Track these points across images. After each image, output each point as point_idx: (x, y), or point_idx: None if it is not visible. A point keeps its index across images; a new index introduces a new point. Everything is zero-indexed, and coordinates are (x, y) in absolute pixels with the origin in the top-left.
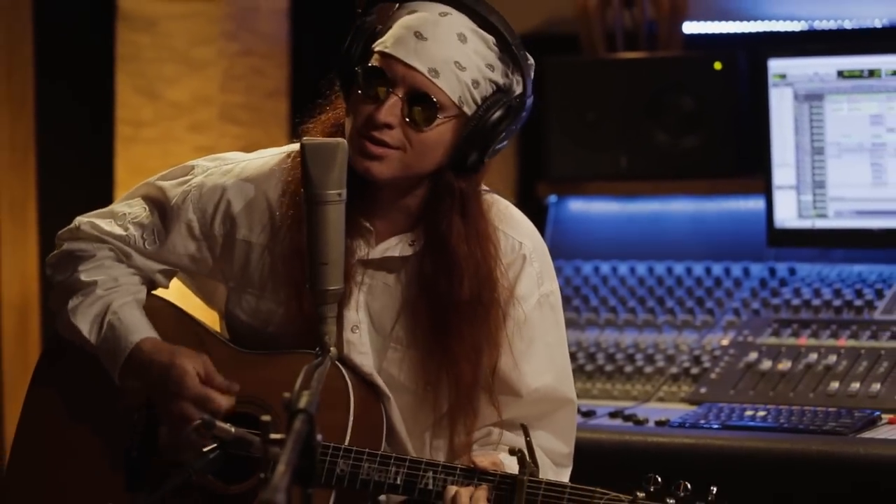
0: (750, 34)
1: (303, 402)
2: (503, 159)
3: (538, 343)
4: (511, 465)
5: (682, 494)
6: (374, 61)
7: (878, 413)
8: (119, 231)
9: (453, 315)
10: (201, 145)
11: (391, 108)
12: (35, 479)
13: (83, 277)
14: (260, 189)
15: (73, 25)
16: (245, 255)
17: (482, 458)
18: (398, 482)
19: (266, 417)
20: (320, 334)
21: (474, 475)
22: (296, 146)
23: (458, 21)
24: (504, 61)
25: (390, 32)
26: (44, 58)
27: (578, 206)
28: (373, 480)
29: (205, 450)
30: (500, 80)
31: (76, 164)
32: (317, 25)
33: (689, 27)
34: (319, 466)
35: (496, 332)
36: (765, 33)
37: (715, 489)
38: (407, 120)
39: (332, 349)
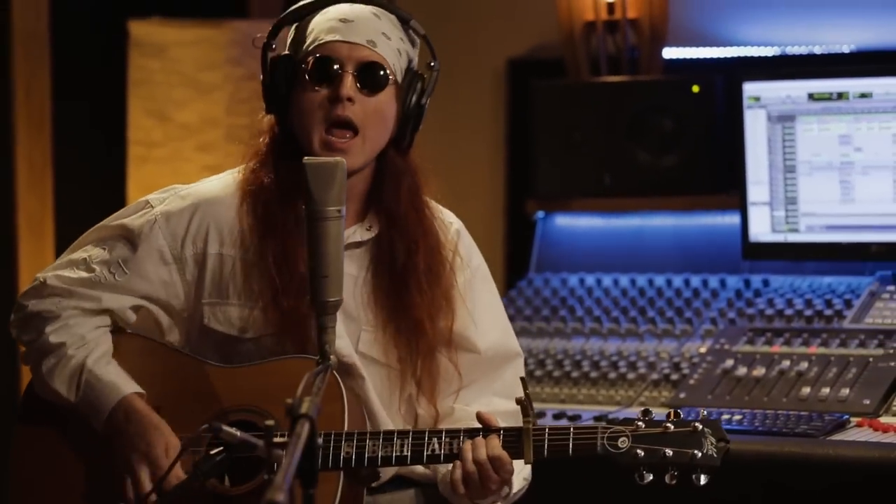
0: (726, 59)
1: (305, 408)
2: (493, 178)
3: (482, 306)
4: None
5: (676, 420)
6: (317, 54)
7: (846, 416)
8: (85, 275)
9: (411, 276)
10: (208, 164)
11: (349, 84)
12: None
13: (52, 339)
14: (224, 204)
15: (88, 52)
16: (219, 269)
17: (486, 416)
18: (406, 453)
19: (270, 422)
20: (321, 343)
21: (478, 433)
22: (233, 170)
23: (366, 7)
24: (410, 37)
25: (315, 32)
26: (60, 82)
27: (565, 221)
28: (379, 456)
29: (211, 453)
30: (411, 54)
31: (91, 182)
32: None
33: (669, 52)
34: (325, 454)
35: (450, 292)
36: (740, 58)
37: (705, 411)
38: (362, 89)
39: (332, 357)
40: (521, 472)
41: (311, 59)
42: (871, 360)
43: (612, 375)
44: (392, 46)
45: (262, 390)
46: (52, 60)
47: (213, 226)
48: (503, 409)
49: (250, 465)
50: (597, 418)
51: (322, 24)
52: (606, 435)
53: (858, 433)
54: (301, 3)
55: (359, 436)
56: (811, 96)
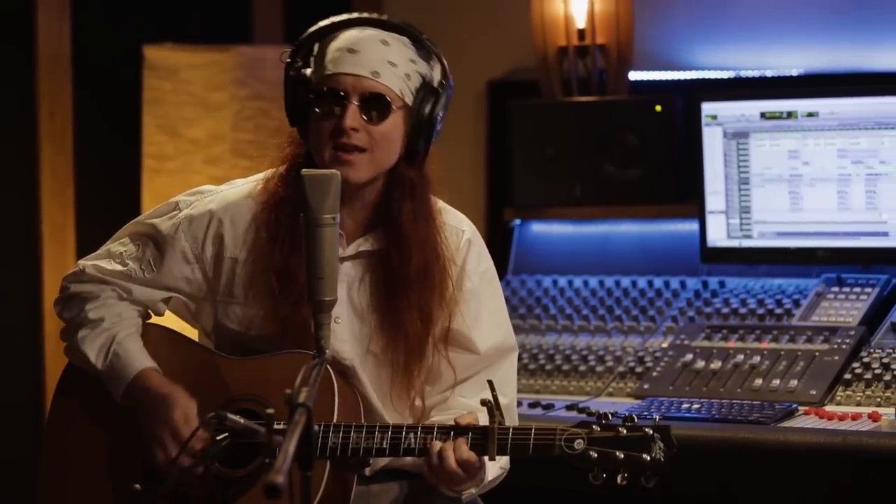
0: (686, 81)
1: (302, 398)
2: (474, 189)
3: (484, 311)
4: (483, 419)
5: (630, 424)
6: (325, 84)
7: (795, 405)
8: (119, 268)
9: (402, 282)
10: (215, 176)
11: (352, 114)
12: (68, 471)
13: (91, 315)
14: (242, 211)
15: (107, 74)
16: (232, 271)
17: (461, 418)
18: (384, 445)
19: (270, 410)
20: (317, 338)
21: (450, 430)
22: (261, 175)
23: (376, 32)
24: (422, 55)
25: (327, 59)
26: (81, 101)
27: (539, 228)
28: (362, 447)
29: (217, 438)
30: (424, 71)
31: (109, 193)
32: None
33: (634, 75)
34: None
35: (443, 298)
36: (698, 80)
37: (657, 416)
38: (366, 119)
39: (328, 351)
40: (499, 461)
41: (319, 89)
42: (817, 354)
43: (583, 368)
44: (398, 73)
45: (265, 381)
46: (73, 81)
47: (230, 230)
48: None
49: (248, 451)
50: (568, 407)
51: (332, 53)
52: (564, 437)
53: (806, 421)
54: (321, 25)
55: (344, 428)
56: (763, 115)
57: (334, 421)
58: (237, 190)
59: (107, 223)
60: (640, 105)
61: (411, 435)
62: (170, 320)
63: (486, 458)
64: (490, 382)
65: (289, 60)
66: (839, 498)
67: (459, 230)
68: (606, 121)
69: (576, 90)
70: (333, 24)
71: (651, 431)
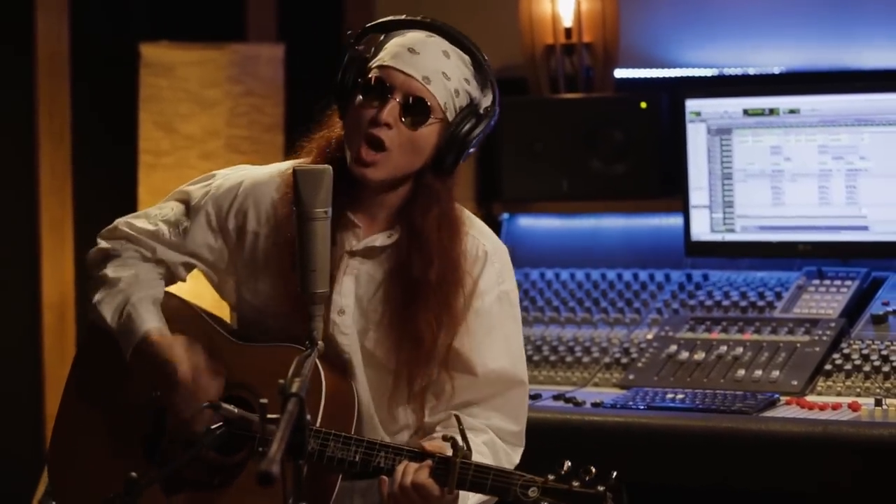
0: (670, 79)
1: (295, 388)
2: (465, 182)
3: (497, 332)
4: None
5: (586, 478)
6: (375, 73)
7: (776, 395)
8: (150, 228)
9: (422, 289)
10: (210, 170)
11: (391, 110)
12: (73, 454)
13: (110, 274)
14: (267, 190)
15: (104, 71)
16: (253, 245)
17: (430, 444)
18: (357, 459)
19: (264, 400)
20: (309, 329)
21: (418, 456)
22: (294, 161)
23: (441, 42)
24: (477, 78)
25: (386, 50)
26: (79, 98)
27: (527, 222)
28: (336, 457)
29: (212, 427)
30: (474, 94)
31: (106, 188)
32: (307, 70)
33: (620, 73)
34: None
35: (456, 310)
36: (682, 78)
37: (615, 473)
38: (403, 120)
39: (320, 343)
40: (482, 498)
41: (370, 76)
42: (798, 345)
43: (569, 359)
44: (449, 86)
45: (260, 371)
46: (71, 78)
47: (254, 206)
48: (500, 426)
49: (234, 439)
50: (555, 397)
51: (394, 47)
52: (520, 482)
53: (787, 410)
54: (394, 18)
55: (324, 434)
56: (746, 112)
57: (318, 423)
58: (268, 170)
59: (104, 218)
60: (625, 102)
61: (382, 453)
62: (192, 293)
63: (454, 489)
64: (456, 416)
65: (352, 41)
66: (820, 485)
67: (481, 244)
68: (593, 117)
69: (563, 87)
70: (406, 20)
71: (603, 490)
